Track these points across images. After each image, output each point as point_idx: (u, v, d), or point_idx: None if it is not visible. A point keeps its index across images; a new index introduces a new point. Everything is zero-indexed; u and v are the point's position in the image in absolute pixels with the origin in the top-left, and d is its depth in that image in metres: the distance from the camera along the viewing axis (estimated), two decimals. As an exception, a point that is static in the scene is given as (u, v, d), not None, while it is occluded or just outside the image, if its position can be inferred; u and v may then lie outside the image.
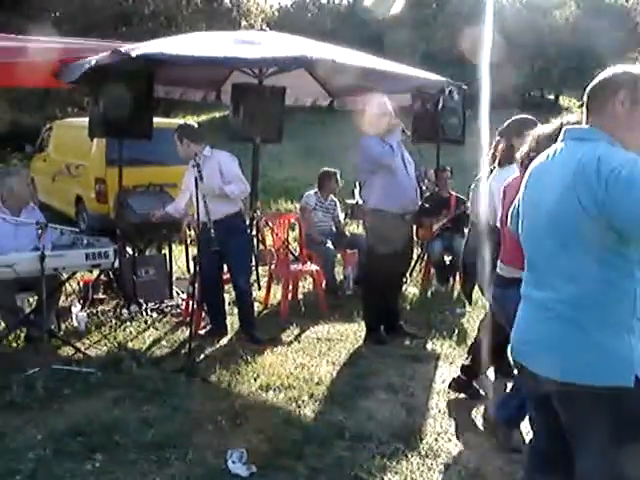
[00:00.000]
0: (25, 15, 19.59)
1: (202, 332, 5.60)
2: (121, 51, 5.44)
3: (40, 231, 4.86)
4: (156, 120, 6.60)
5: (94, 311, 6.10)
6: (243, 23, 23.98)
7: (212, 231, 4.95)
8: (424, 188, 6.45)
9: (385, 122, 5.40)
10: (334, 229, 7.39)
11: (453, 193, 7.45)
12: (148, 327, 5.84)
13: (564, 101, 23.86)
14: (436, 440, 3.87)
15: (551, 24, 21.91)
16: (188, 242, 6.40)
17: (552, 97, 23.72)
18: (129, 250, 6.53)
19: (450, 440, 3.89)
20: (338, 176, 7.45)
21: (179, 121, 12.78)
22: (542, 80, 21.33)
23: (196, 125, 6.03)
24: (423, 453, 3.71)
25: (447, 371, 4.94)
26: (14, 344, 5.28)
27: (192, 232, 6.35)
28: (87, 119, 6.51)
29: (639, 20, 23.45)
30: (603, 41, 21.06)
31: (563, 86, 22.75)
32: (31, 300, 5.61)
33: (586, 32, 22.04)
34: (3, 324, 5.36)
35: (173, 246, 6.89)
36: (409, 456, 3.65)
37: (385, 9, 19.27)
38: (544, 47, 19.85)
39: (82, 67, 5.79)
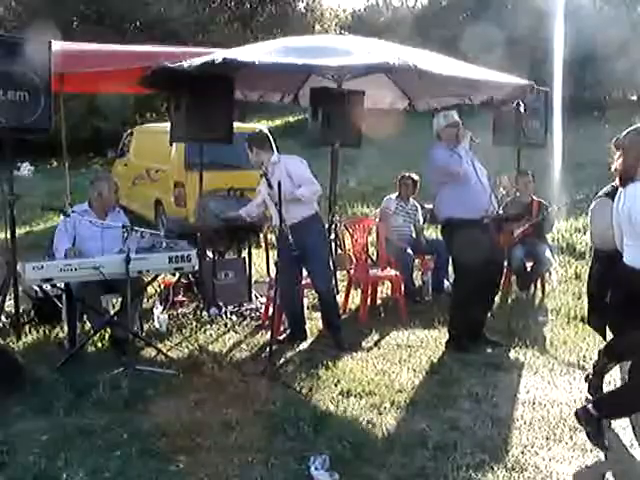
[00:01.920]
0: (107, 26, 20.25)
1: (281, 337, 5.60)
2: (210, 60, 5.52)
3: (125, 234, 4.96)
4: (235, 125, 6.67)
5: (175, 313, 6.20)
6: (317, 28, 24.14)
7: (289, 236, 4.97)
8: (499, 196, 6.34)
9: (453, 133, 5.36)
10: (414, 235, 7.30)
11: (535, 198, 7.25)
12: (228, 330, 5.90)
13: (648, 102, 22.99)
14: (522, 453, 3.75)
15: (634, 20, 21.10)
16: (268, 246, 6.42)
17: (635, 98, 22.86)
18: (209, 253, 6.61)
19: (537, 454, 3.75)
20: (416, 180, 7.35)
21: (257, 125, 13.00)
22: (624, 80, 20.56)
23: (266, 131, 6.06)
24: (509, 466, 3.59)
25: (531, 381, 4.79)
26: (99, 344, 5.41)
27: (272, 236, 6.38)
28: (166, 124, 6.64)
29: None
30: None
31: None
32: (115, 302, 5.75)
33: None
34: (89, 325, 5.49)
35: (253, 250, 6.95)
36: (495, 469, 3.55)
37: None
38: (626, 45, 19.15)
39: (166, 72, 5.89)
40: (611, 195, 3.89)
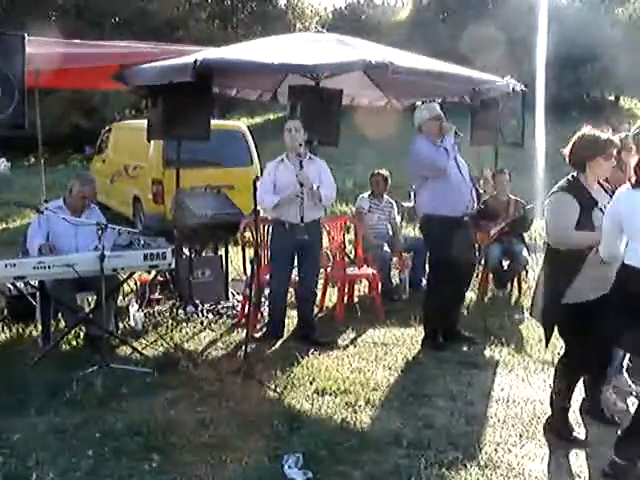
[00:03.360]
0: (86, 20, 20.09)
1: (257, 335, 5.59)
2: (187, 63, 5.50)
3: (100, 232, 4.92)
4: (213, 122, 6.64)
5: (151, 311, 6.17)
6: (298, 25, 24.11)
7: (306, 234, 5.26)
8: (481, 192, 6.35)
9: (435, 125, 5.36)
10: (390, 232, 7.31)
11: (512, 197, 7.28)
12: (204, 328, 5.87)
13: (625, 102, 23.19)
14: (496, 450, 3.77)
15: (612, 22, 21.33)
16: (245, 243, 6.40)
17: (612, 98, 23.08)
18: (186, 251, 6.58)
19: (510, 451, 3.78)
20: (387, 177, 7.37)
21: (235, 123, 12.96)
22: (602, 80, 20.75)
23: (245, 128, 6.07)
24: (482, 463, 3.61)
25: (506, 378, 4.82)
26: (74, 342, 5.36)
27: (249, 233, 6.36)
28: (145, 121, 6.59)
29: None
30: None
31: (624, 87, 22.10)
32: (90, 299, 5.71)
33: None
34: (63, 322, 5.44)
35: (229, 247, 6.92)
36: (468, 466, 3.57)
37: None
38: (605, 46, 19.34)
39: (144, 71, 5.87)
40: (569, 190, 3.78)
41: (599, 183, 3.91)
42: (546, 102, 12.99)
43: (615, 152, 3.86)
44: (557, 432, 3.97)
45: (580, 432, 4.01)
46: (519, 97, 7.43)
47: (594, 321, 3.66)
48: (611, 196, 3.77)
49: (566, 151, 3.89)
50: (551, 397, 4.09)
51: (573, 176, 3.86)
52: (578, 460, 3.72)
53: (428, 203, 5.39)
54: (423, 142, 5.38)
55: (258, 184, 5.17)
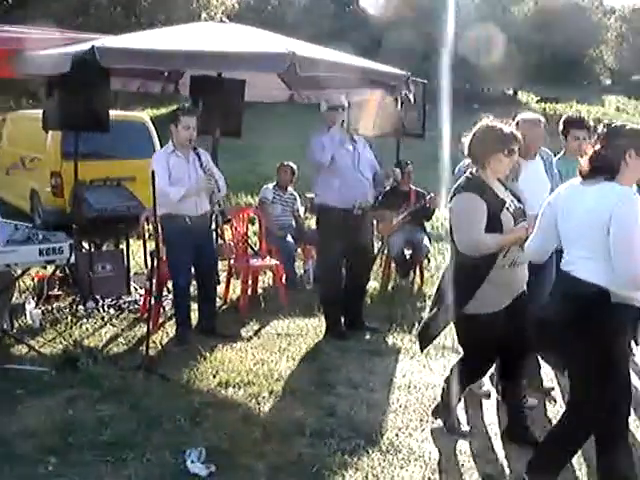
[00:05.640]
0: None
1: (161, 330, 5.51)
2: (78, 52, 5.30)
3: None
4: (114, 113, 6.47)
5: (49, 308, 5.96)
6: (203, 15, 23.70)
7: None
8: (387, 187, 6.47)
9: (333, 116, 5.44)
10: (294, 223, 7.34)
11: (413, 187, 7.45)
12: (105, 324, 5.73)
13: (522, 96, 24.13)
14: (397, 435, 3.86)
15: (510, 20, 22.15)
16: (146, 237, 6.28)
17: (511, 92, 23.96)
18: (85, 245, 6.40)
19: (411, 435, 3.88)
20: (295, 169, 7.41)
21: (137, 114, 12.66)
22: (501, 75, 21.56)
23: (147, 119, 5.95)
24: (384, 449, 3.69)
25: (408, 365, 4.94)
26: (-35, 342, 5.13)
27: (150, 226, 6.25)
28: (42, 111, 6.36)
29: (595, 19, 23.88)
30: (561, 38, 21.38)
31: (522, 81, 23.00)
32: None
33: (544, 28, 22.35)
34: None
35: (131, 241, 6.78)
36: (370, 452, 3.63)
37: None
38: (504, 43, 20.12)
39: (35, 59, 5.63)
40: (473, 189, 3.49)
41: (499, 180, 3.63)
42: (449, 95, 13.32)
43: (517, 148, 3.54)
44: (443, 422, 3.95)
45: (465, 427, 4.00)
46: (420, 90, 7.60)
47: (495, 335, 3.53)
48: (513, 194, 3.62)
49: (465, 143, 3.62)
50: (443, 390, 3.98)
51: (472, 173, 3.58)
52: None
53: (320, 194, 5.55)
54: (315, 136, 5.45)
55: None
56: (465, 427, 3.99)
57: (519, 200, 3.66)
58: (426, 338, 3.92)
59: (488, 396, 4.39)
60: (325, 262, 5.72)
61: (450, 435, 3.87)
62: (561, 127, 4.94)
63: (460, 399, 4.01)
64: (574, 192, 3.08)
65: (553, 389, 4.50)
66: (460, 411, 4.09)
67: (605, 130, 3.03)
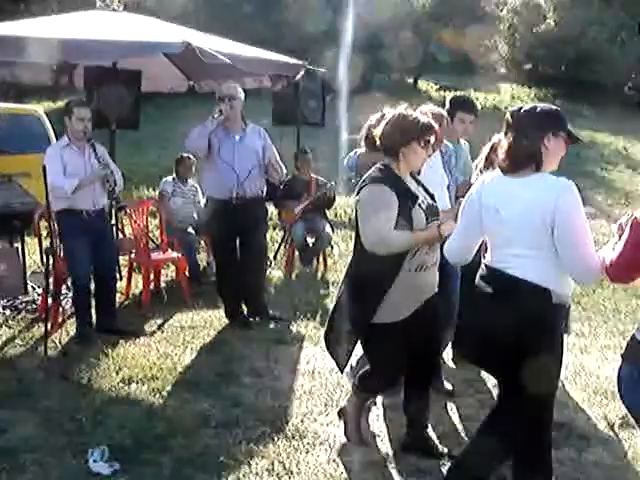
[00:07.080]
0: None
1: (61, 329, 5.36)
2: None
3: None
4: (4, 105, 6.22)
5: (-61, 311, 5.69)
6: (98, 3, 22.97)
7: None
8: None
9: (221, 105, 5.38)
10: (196, 215, 7.28)
11: (313, 176, 7.53)
12: (0, 325, 5.52)
13: (422, 85, 24.68)
14: (302, 421, 3.91)
15: (409, 10, 22.57)
16: (42, 234, 6.08)
17: (411, 81, 24.46)
18: (-24, 244, 6.15)
19: (316, 420, 3.94)
20: (194, 161, 7.34)
21: (30, 107, 12.17)
22: (402, 64, 21.98)
23: (42, 112, 5.75)
24: (289, 435, 3.74)
25: (312, 351, 5.00)
26: None
27: (45, 223, 6.06)
28: None
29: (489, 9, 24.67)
30: (457, 28, 22.00)
31: (421, 70, 23.56)
32: None
33: (441, 18, 22.93)
34: None
35: (27, 239, 6.54)
36: (275, 439, 3.67)
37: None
38: (404, 32, 20.53)
39: None
40: (384, 181, 3.23)
41: (411, 174, 3.39)
42: (350, 84, 13.49)
43: (433, 139, 3.30)
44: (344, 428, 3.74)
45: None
46: (318, 79, 7.69)
47: (403, 343, 3.32)
48: (425, 189, 3.41)
49: (377, 132, 3.33)
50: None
51: (384, 165, 3.30)
52: (378, 422, 3.95)
53: (204, 185, 5.82)
54: (197, 125, 5.40)
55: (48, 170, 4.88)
56: (366, 434, 3.74)
57: (432, 197, 3.41)
58: (341, 358, 3.66)
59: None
60: (215, 252, 5.89)
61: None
62: (447, 106, 4.63)
63: (370, 409, 3.95)
64: (501, 186, 2.82)
65: (453, 390, 4.32)
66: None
67: (515, 117, 2.80)
